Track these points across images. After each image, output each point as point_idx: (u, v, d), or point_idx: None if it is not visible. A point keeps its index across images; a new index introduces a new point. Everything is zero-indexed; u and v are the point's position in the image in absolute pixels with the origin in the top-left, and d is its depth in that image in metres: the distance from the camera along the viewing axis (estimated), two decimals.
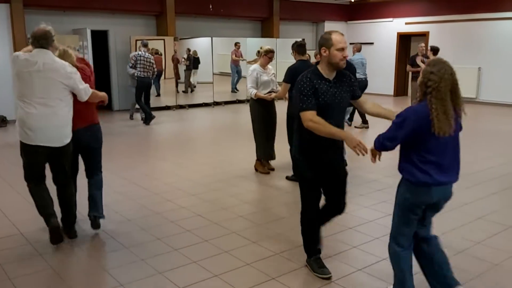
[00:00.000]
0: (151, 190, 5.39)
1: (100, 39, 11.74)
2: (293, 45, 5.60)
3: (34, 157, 3.80)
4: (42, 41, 3.70)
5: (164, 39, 12.23)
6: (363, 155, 2.85)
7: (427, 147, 2.59)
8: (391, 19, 15.19)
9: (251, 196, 5.40)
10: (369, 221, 4.41)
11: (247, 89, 5.89)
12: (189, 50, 13.09)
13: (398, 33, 15.05)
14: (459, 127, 2.67)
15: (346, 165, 4.26)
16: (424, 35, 14.22)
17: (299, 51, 5.50)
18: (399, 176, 2.75)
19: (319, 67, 3.10)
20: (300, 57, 5.48)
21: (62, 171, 3.95)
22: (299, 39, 14.12)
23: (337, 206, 3.32)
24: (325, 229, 3.55)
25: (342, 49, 2.99)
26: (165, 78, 12.69)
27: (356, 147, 2.83)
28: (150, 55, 9.82)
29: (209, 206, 4.86)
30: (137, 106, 10.15)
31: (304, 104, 3.00)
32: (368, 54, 15.74)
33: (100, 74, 11.68)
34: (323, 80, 3.06)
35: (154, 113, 10.22)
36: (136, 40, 11.41)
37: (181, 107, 12.69)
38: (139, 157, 7.13)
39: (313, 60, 6.79)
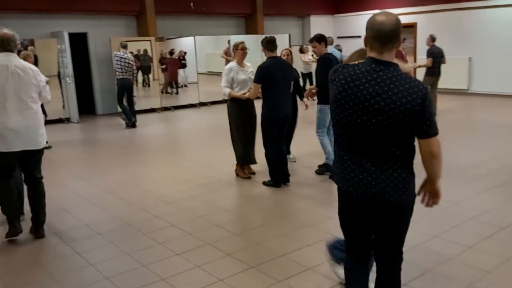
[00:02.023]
0: (125, 199, 5.13)
1: (79, 42, 11.42)
2: (262, 41, 5.28)
3: (8, 161, 3.87)
4: (9, 45, 3.80)
5: (150, 40, 11.97)
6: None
7: None
8: (378, 10, 14.91)
9: (230, 202, 5.15)
10: None
11: (222, 89, 5.57)
12: (180, 51, 12.94)
13: None
14: None
15: None
16: (412, 26, 14.00)
17: (269, 47, 5.18)
18: None
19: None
20: (270, 54, 5.17)
21: (37, 170, 4.09)
22: (286, 35, 14.05)
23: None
24: None
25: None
26: (153, 79, 12.48)
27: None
28: (130, 56, 9.53)
29: (185, 215, 4.61)
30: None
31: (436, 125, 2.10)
32: (356, 47, 15.41)
33: (81, 78, 11.45)
34: None
35: (138, 116, 9.98)
36: (127, 42, 11.19)
37: (166, 109, 12.41)
38: (118, 163, 6.86)
39: (307, 57, 6.51)
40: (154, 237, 4.06)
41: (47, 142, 7.66)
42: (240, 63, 5.52)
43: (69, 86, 10.56)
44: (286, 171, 5.33)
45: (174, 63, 12.84)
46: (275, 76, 5.05)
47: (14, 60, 3.80)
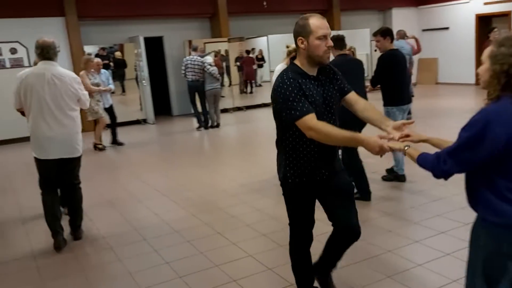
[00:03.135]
0: (179, 204, 5.29)
1: (156, 46, 12.05)
2: (332, 38, 5.17)
3: (46, 168, 4.03)
4: (48, 53, 3.90)
5: (226, 41, 12.35)
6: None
7: None
8: (467, 0, 14.19)
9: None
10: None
11: None
12: (252, 50, 13.18)
13: (476, 15, 13.97)
14: None
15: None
16: (506, 15, 13.10)
17: (338, 45, 5.00)
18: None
19: (297, 62, 2.52)
20: (339, 52, 5.04)
21: (74, 177, 4.25)
22: (366, 29, 13.73)
23: (349, 229, 2.67)
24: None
25: (325, 37, 2.41)
26: (230, 83, 12.84)
27: (380, 153, 2.29)
28: (199, 58, 9.88)
29: (259, 216, 4.69)
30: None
31: (297, 111, 2.38)
32: (443, 40, 14.91)
33: (157, 80, 12.10)
34: (307, 78, 2.48)
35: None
36: (205, 44, 11.76)
37: (238, 109, 12.70)
38: (186, 161, 7.15)
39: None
40: (197, 246, 4.07)
41: (118, 142, 8.21)
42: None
43: (145, 89, 11.17)
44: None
45: (250, 62, 13.12)
46: (345, 75, 4.96)
47: (52, 68, 3.90)
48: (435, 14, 15.13)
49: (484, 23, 13.99)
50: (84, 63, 8.02)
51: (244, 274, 3.47)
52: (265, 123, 10.34)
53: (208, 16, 12.50)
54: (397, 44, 9.32)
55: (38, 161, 4.01)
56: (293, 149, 2.55)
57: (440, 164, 1.93)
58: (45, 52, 3.89)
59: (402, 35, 9.85)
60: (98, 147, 8.41)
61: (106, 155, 8.36)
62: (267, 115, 11.88)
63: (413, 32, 15.24)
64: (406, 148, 2.19)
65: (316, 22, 2.40)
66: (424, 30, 15.38)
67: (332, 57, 5.10)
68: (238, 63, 12.92)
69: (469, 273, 2.02)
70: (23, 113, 4.11)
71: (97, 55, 11.51)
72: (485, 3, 13.67)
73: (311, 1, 13.79)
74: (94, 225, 4.73)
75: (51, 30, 10.20)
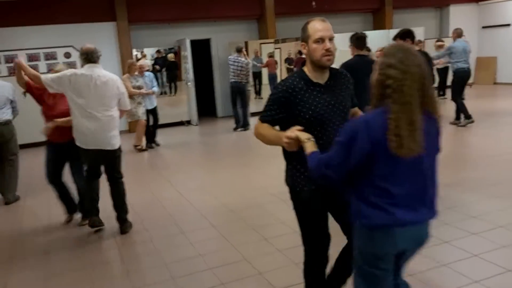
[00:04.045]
0: (239, 193, 5.62)
1: (204, 48, 12.54)
2: (351, 38, 5.19)
3: (88, 157, 4.60)
4: (93, 57, 4.47)
5: (273, 42, 12.66)
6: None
7: (384, 174, 1.98)
8: None
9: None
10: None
11: None
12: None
13: None
14: (434, 142, 2.08)
15: None
16: None
17: (358, 44, 5.06)
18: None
19: (305, 68, 2.52)
20: (358, 52, 5.05)
21: (115, 170, 4.76)
22: (420, 28, 13.53)
23: None
24: None
25: (322, 40, 2.38)
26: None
27: (289, 145, 2.33)
28: (244, 59, 10.20)
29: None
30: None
31: (263, 115, 2.53)
32: (503, 37, 14.44)
33: (203, 82, 12.57)
34: (312, 85, 2.47)
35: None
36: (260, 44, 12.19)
37: None
38: (227, 162, 7.47)
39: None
40: (261, 232, 4.45)
41: (156, 143, 8.55)
42: None
43: (190, 90, 11.65)
44: None
45: (300, 62, 13.30)
46: (358, 76, 4.98)
47: (97, 70, 4.46)
48: (497, 10, 14.67)
49: None
50: (128, 67, 8.60)
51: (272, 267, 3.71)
52: None
53: (256, 17, 12.83)
54: (457, 44, 9.17)
55: (81, 150, 4.59)
56: (297, 154, 2.40)
57: (321, 168, 2.07)
58: (90, 57, 4.45)
59: (460, 34, 9.64)
60: (137, 148, 8.92)
61: (142, 156, 8.78)
62: None
63: (472, 29, 14.95)
64: (307, 140, 2.24)
65: (314, 25, 2.42)
66: (484, 27, 14.97)
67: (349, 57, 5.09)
68: (287, 64, 13.14)
69: (354, 273, 2.26)
70: (29, 93, 4.82)
71: (156, 58, 12.23)
72: None
73: (363, 0, 13.80)
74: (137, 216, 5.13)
75: (102, 34, 10.92)
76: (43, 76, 4.49)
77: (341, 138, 2.03)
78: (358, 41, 5.11)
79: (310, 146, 2.21)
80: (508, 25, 14.26)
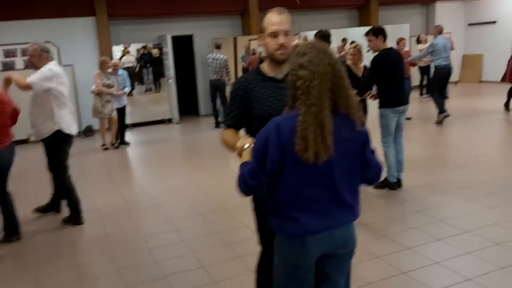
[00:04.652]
0: (162, 208, 5.49)
1: (186, 44, 12.36)
2: (315, 35, 5.15)
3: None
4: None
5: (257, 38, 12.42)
6: None
7: (294, 180, 1.88)
8: None
9: None
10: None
11: None
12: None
13: None
14: (351, 145, 1.92)
15: None
16: None
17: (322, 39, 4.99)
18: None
19: (263, 64, 2.45)
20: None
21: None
22: (405, 24, 13.38)
23: None
24: None
25: (276, 34, 2.26)
26: None
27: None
28: (223, 56, 10.04)
29: None
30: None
31: (225, 120, 2.47)
32: (489, 35, 14.36)
33: (185, 80, 12.39)
34: (267, 80, 2.38)
35: None
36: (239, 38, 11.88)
37: None
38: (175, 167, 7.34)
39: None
40: (225, 237, 4.32)
41: (124, 143, 8.40)
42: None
43: (171, 88, 11.47)
44: None
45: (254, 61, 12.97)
46: None
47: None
48: (483, 7, 14.59)
49: None
50: (100, 64, 8.49)
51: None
52: None
53: (239, 13, 12.67)
54: (438, 41, 9.10)
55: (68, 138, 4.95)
56: None
57: (245, 179, 1.93)
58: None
59: (440, 31, 9.58)
60: (104, 147, 8.85)
61: (114, 154, 8.65)
62: None
63: (458, 27, 14.87)
64: (246, 146, 2.10)
65: (270, 17, 2.30)
66: (470, 24, 14.90)
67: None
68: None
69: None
70: None
71: (142, 54, 12.05)
72: None
73: None
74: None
75: (81, 30, 10.75)
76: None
77: (256, 145, 1.93)
78: (322, 38, 5.04)
79: (244, 155, 2.07)
80: (494, 22, 14.19)
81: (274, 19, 2.27)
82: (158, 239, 4.42)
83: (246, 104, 2.38)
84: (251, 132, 2.41)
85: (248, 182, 1.92)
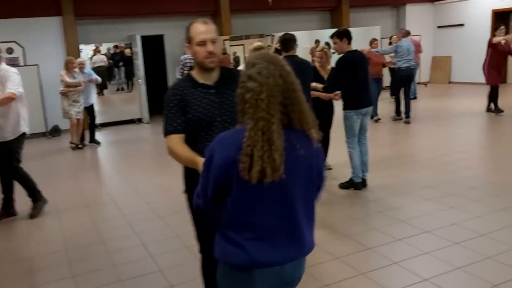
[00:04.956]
0: (123, 211, 5.40)
1: (157, 44, 12.21)
2: (279, 39, 5.18)
3: None
4: None
5: (228, 39, 12.41)
6: None
7: (241, 203, 1.69)
8: None
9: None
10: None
11: None
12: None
13: (492, 10, 13.67)
14: (308, 164, 1.76)
15: None
16: None
17: (285, 46, 5.02)
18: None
19: (193, 71, 2.48)
20: (286, 54, 4.96)
21: None
22: (376, 27, 13.55)
23: None
24: None
25: (204, 43, 2.32)
26: None
27: None
28: (190, 56, 9.93)
29: None
30: None
31: (166, 127, 2.40)
32: (457, 37, 14.61)
33: (156, 80, 12.24)
34: (199, 86, 2.41)
35: None
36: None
37: None
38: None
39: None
40: (184, 241, 4.24)
41: (95, 142, 8.35)
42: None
43: (141, 88, 11.32)
44: None
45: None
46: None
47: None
48: (451, 10, 14.84)
49: (501, 19, 13.67)
50: (66, 63, 8.40)
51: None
52: None
53: (210, 13, 12.59)
54: (403, 43, 9.22)
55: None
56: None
57: (194, 198, 1.83)
58: None
59: (405, 34, 9.73)
60: (72, 146, 8.75)
61: (80, 154, 8.51)
62: None
63: (427, 29, 15.09)
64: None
65: (197, 27, 2.36)
66: (439, 27, 15.14)
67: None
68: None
69: None
70: None
71: (113, 53, 11.84)
72: None
73: None
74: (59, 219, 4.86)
75: (47, 30, 10.53)
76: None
77: (204, 161, 1.77)
78: (284, 42, 5.05)
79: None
80: (462, 25, 14.45)
81: (201, 28, 2.35)
82: (117, 243, 4.32)
83: (182, 109, 2.38)
84: (186, 142, 2.39)
85: (196, 202, 1.81)
